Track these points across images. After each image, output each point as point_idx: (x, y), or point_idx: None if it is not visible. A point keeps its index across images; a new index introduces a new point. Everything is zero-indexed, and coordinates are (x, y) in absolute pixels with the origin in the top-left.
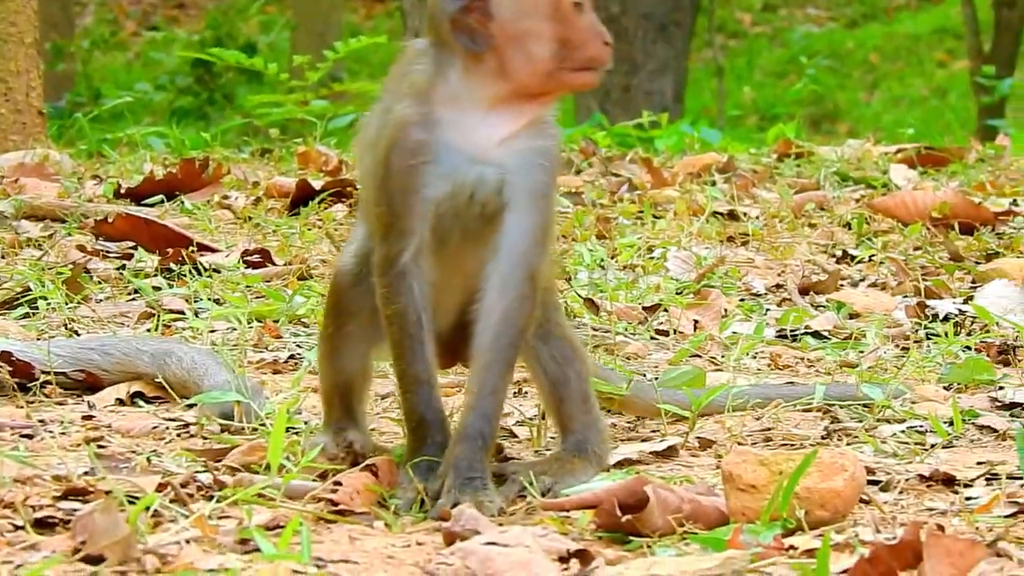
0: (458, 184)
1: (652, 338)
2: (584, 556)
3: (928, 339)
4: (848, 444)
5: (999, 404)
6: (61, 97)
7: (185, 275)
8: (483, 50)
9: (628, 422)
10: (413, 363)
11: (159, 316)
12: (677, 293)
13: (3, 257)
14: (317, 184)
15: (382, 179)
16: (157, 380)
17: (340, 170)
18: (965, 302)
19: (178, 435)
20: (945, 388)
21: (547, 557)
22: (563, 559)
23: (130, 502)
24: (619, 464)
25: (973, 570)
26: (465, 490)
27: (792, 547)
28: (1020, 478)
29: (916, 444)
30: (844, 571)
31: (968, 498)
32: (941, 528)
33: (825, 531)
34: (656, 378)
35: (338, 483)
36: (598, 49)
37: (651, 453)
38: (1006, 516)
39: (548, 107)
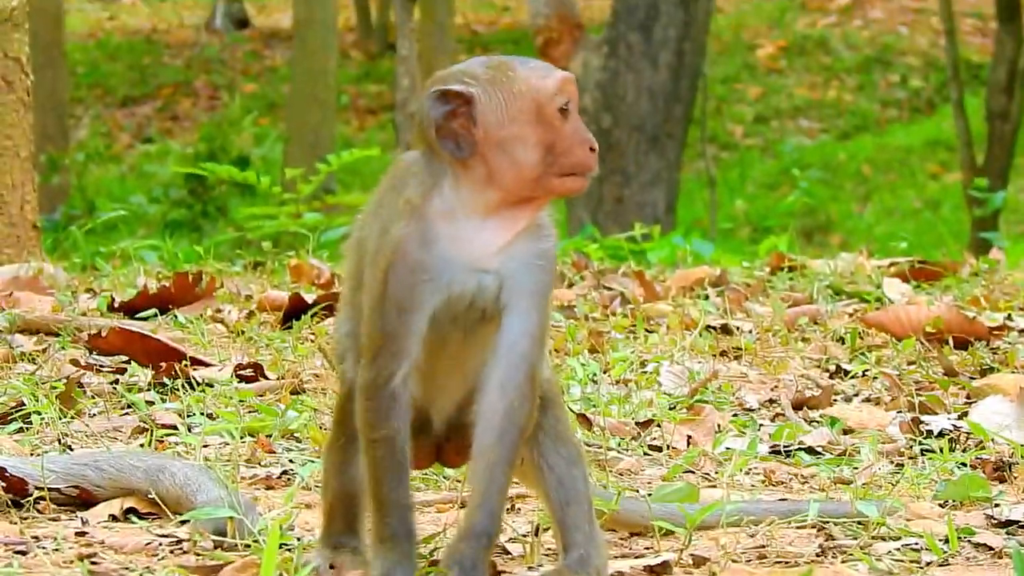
0: (456, 294)
1: (645, 454)
2: None
3: (923, 455)
4: (843, 562)
5: (995, 521)
6: (56, 209)
7: (178, 389)
8: (468, 156)
9: (621, 538)
10: (396, 489)
11: (152, 431)
12: (670, 408)
13: None
14: (309, 298)
15: (378, 299)
16: (150, 496)
17: (332, 283)
18: (960, 418)
19: (171, 551)
20: (940, 505)
21: None
22: None
23: None
24: None
25: None
26: None
27: None
28: None
29: (911, 562)
30: None
31: None
32: None
33: None
34: (649, 494)
35: None
36: (584, 155)
37: (645, 569)
38: None
39: (540, 211)
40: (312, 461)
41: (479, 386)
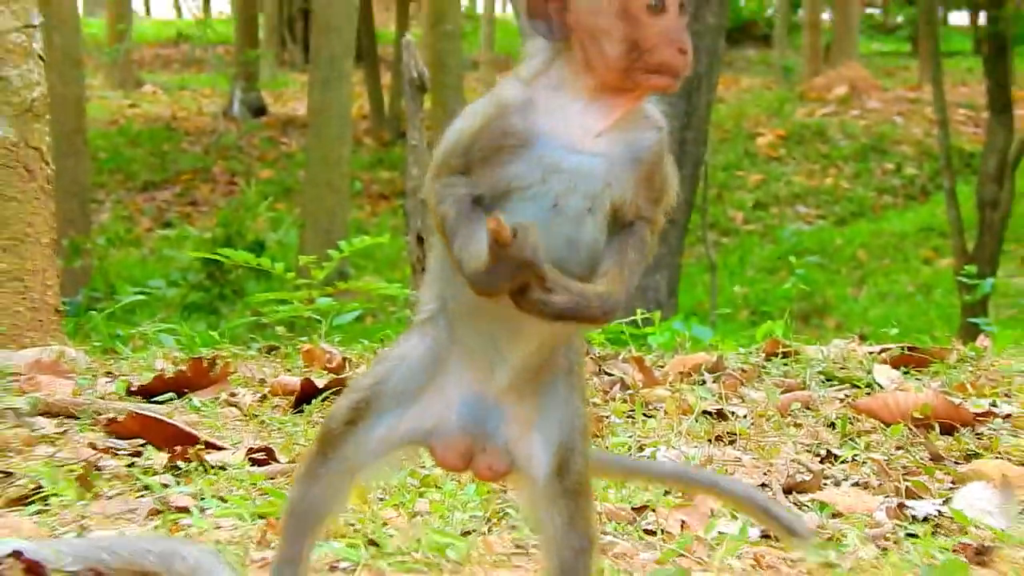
0: (550, 168)
1: (640, 538)
2: None
3: (907, 539)
4: None
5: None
6: (78, 292)
7: (192, 472)
8: (559, 39)
9: None
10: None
11: (166, 514)
12: (665, 494)
13: (19, 453)
14: (320, 383)
15: (463, 136)
16: None
17: (343, 368)
18: (944, 503)
19: None
20: None
21: None
22: None
23: None
24: None
25: None
26: None
27: None
28: None
29: None
30: None
31: None
32: None
33: None
34: None
35: None
36: (670, 55)
37: None
38: None
39: (639, 102)
40: (321, 545)
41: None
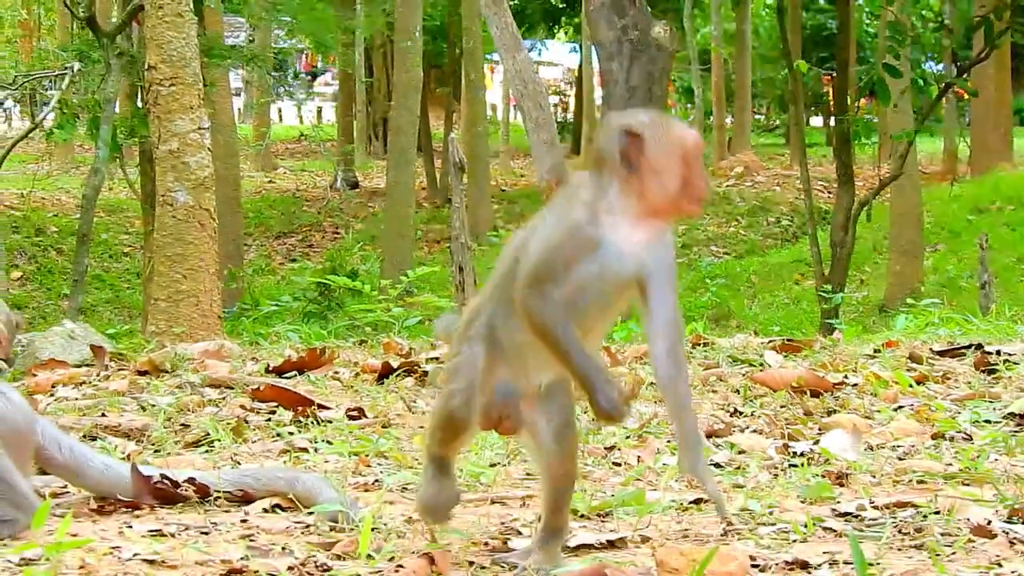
0: (611, 267)
1: (610, 468)
2: None
3: (790, 468)
4: (738, 540)
5: (837, 513)
6: (234, 305)
7: (309, 425)
8: (633, 175)
9: (590, 518)
10: (578, 349)
11: (291, 452)
12: (626, 437)
13: (193, 412)
14: (395, 364)
15: (550, 252)
16: (289, 496)
17: (410, 354)
18: (815, 444)
19: (302, 532)
20: (801, 502)
21: None
22: None
23: None
24: (580, 547)
25: None
26: None
27: None
28: (851, 563)
29: (783, 540)
30: None
31: None
32: None
33: None
34: (613, 495)
35: (400, 566)
36: (702, 190)
37: (606, 542)
38: None
39: (670, 222)
40: (396, 472)
41: (650, 349)
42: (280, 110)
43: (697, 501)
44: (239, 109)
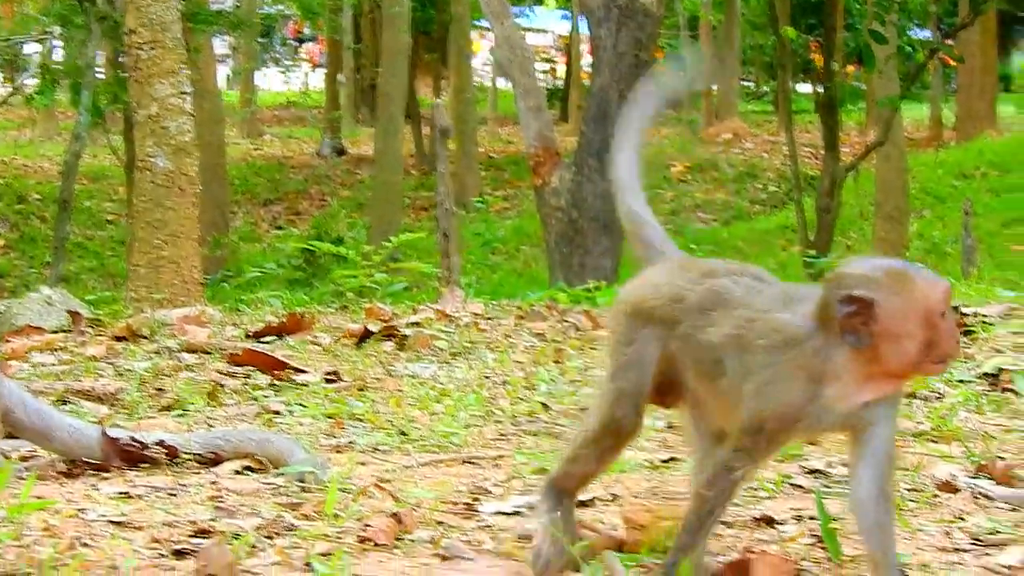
0: (825, 427)
1: None
2: None
3: None
4: None
5: (807, 470)
6: (218, 272)
7: (284, 388)
8: (864, 346)
9: None
10: (706, 535)
11: (265, 415)
12: None
13: (170, 376)
14: (375, 328)
15: (760, 421)
16: (260, 458)
17: (391, 319)
18: None
19: (271, 493)
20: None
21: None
22: None
23: (236, 538)
24: None
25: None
26: None
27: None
28: (816, 518)
29: (751, 496)
30: None
31: (783, 532)
32: (764, 552)
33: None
34: None
35: (368, 525)
36: (952, 348)
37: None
38: (807, 544)
39: (902, 385)
40: (369, 434)
41: (853, 486)
42: (266, 76)
43: (669, 460)
44: (227, 76)
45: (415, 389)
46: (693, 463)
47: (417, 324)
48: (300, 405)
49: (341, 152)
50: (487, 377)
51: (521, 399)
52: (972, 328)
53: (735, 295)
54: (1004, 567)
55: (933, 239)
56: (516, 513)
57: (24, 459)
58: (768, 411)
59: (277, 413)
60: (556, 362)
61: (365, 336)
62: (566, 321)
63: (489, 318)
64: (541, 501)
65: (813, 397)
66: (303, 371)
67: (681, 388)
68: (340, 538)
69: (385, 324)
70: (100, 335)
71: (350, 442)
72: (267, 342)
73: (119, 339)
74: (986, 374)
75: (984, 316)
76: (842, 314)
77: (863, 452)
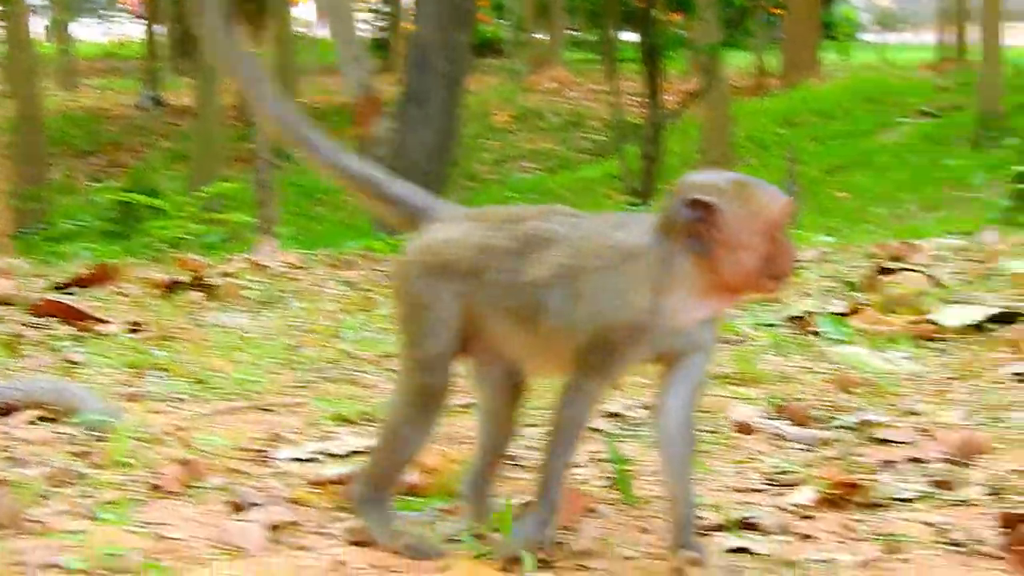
0: (659, 348)
1: (386, 375)
2: None
3: None
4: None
5: (606, 413)
6: (34, 226)
7: (87, 339)
8: (706, 253)
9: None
10: (573, 456)
11: (66, 366)
12: None
13: None
14: (185, 278)
15: (604, 337)
16: (54, 407)
17: (203, 270)
18: None
19: (63, 443)
20: None
21: None
22: None
23: (22, 487)
24: (352, 454)
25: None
26: None
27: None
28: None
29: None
30: None
31: (578, 475)
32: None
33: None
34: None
35: (160, 473)
36: (787, 265)
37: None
38: (602, 486)
39: (739, 300)
40: (167, 382)
41: (660, 417)
42: (88, 26)
43: (465, 406)
44: (45, 27)
45: (220, 338)
46: (480, 413)
47: (229, 274)
48: (101, 356)
49: (160, 103)
50: (292, 326)
51: (326, 346)
52: None
53: (557, 232)
54: (795, 506)
55: None
56: (311, 460)
57: None
58: (614, 323)
59: (77, 364)
60: (364, 311)
61: (173, 286)
62: (378, 270)
63: (302, 267)
64: (366, 513)
65: (655, 308)
66: (106, 321)
67: (479, 340)
68: (129, 486)
69: (194, 275)
70: None
71: (148, 392)
72: (73, 294)
73: None
74: (793, 317)
75: (798, 261)
76: (686, 218)
77: (674, 381)
